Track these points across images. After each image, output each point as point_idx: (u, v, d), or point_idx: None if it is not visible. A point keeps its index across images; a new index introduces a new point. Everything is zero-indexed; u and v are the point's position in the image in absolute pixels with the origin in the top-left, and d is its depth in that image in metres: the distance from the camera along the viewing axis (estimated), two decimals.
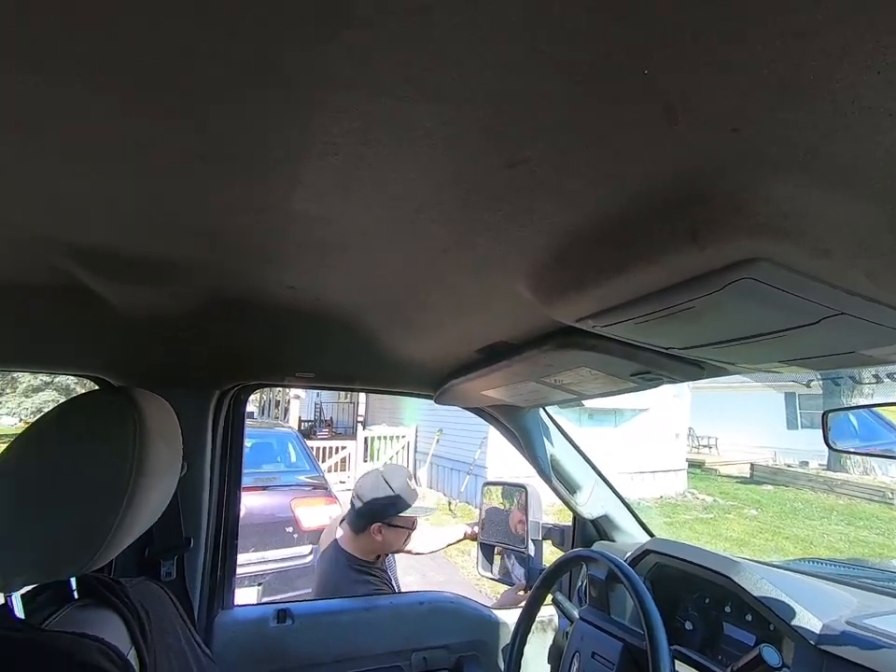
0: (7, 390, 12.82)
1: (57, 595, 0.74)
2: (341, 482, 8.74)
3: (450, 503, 8.05)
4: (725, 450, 14.66)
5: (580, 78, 0.29)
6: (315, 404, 13.83)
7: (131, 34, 0.28)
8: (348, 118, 0.36)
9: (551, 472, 1.28)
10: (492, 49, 0.27)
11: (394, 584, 1.59)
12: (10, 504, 0.58)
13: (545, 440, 1.30)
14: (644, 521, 1.46)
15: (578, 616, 1.11)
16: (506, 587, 1.63)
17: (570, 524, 1.55)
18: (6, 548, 0.58)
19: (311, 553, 3.66)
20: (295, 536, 3.61)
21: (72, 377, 12.03)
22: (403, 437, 9.71)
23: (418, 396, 1.25)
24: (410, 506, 1.49)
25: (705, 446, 15.11)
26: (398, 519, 1.48)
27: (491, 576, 1.71)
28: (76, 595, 0.76)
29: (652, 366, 0.71)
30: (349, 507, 1.55)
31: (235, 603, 1.23)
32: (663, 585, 1.12)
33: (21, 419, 14.12)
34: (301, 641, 1.25)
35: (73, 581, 0.75)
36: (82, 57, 0.30)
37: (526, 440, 1.26)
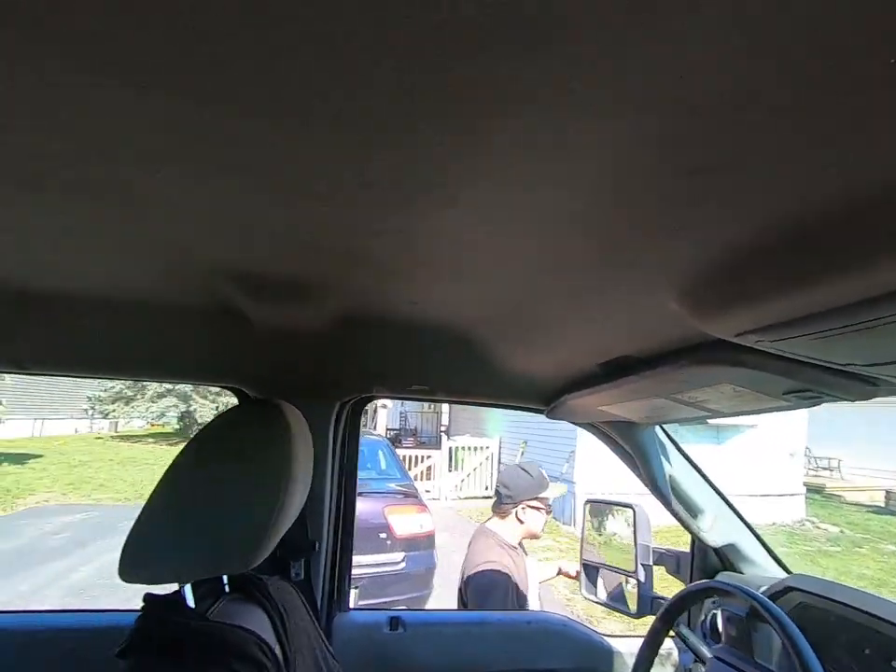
0: (138, 397, 14.55)
1: (214, 588, 0.82)
2: (426, 491, 8.88)
3: None
4: (851, 474, 12.88)
5: (801, 74, 0.26)
6: (401, 413, 14.21)
7: (305, 72, 0.30)
8: (501, 137, 0.36)
9: (670, 494, 1.20)
10: (700, 48, 0.26)
11: (526, 574, 1.77)
12: (186, 505, 0.65)
13: (662, 458, 1.22)
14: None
15: (711, 655, 1.02)
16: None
17: (686, 550, 1.44)
18: (182, 544, 0.64)
19: (403, 560, 3.74)
20: (388, 543, 3.70)
21: (190, 386, 13.43)
22: (487, 448, 9.67)
23: (528, 410, 1.23)
24: (545, 489, 1.82)
25: (825, 469, 13.39)
26: (536, 501, 1.80)
27: (596, 599, 1.63)
28: (227, 590, 0.83)
29: (814, 384, 0.63)
30: (495, 498, 1.88)
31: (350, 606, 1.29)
32: (809, 628, 0.99)
33: (148, 422, 15.99)
34: (412, 650, 1.27)
35: (225, 576, 0.83)
36: (260, 92, 0.32)
37: (642, 458, 1.19)
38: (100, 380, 12.90)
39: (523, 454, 9.01)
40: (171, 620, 0.63)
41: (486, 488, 9.38)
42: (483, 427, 10.99)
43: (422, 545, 3.86)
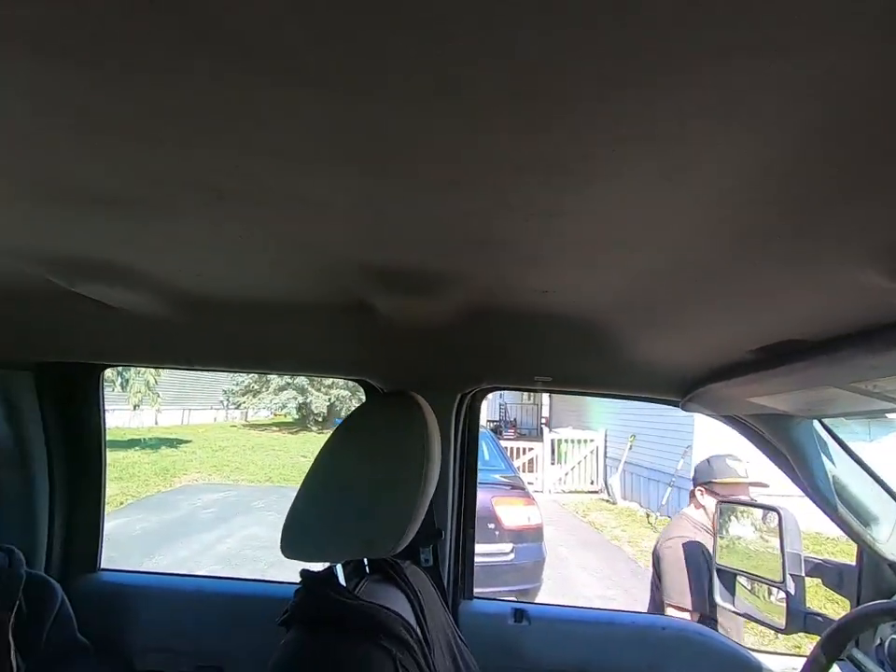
0: (263, 390, 16.16)
1: (356, 568, 0.86)
2: (529, 483, 8.79)
3: (648, 515, 7.42)
4: None
5: None
6: (500, 405, 14.21)
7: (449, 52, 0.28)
8: (673, 97, 0.32)
9: (835, 499, 1.04)
10: None
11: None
12: (337, 491, 0.70)
13: (824, 457, 1.06)
14: None
15: None
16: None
17: (850, 563, 1.25)
18: (335, 528, 0.69)
19: (512, 551, 3.74)
20: (497, 533, 3.72)
21: (306, 380, 14.63)
22: (591, 441, 9.32)
23: (660, 401, 1.15)
24: (717, 476, 1.88)
25: None
26: (714, 486, 1.87)
27: (732, 608, 1.49)
28: (367, 570, 0.88)
29: None
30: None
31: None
32: None
33: (272, 412, 17.72)
34: (537, 644, 1.25)
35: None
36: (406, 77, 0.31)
37: (799, 457, 1.05)
38: (241, 374, 14.51)
39: (631, 448, 8.55)
40: (329, 596, 0.68)
41: (592, 483, 9.06)
42: (586, 419, 10.60)
43: (530, 537, 3.83)
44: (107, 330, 1.04)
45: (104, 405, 1.37)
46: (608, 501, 8.39)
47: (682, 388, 1.02)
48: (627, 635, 1.24)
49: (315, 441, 12.30)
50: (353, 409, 0.93)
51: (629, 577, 5.10)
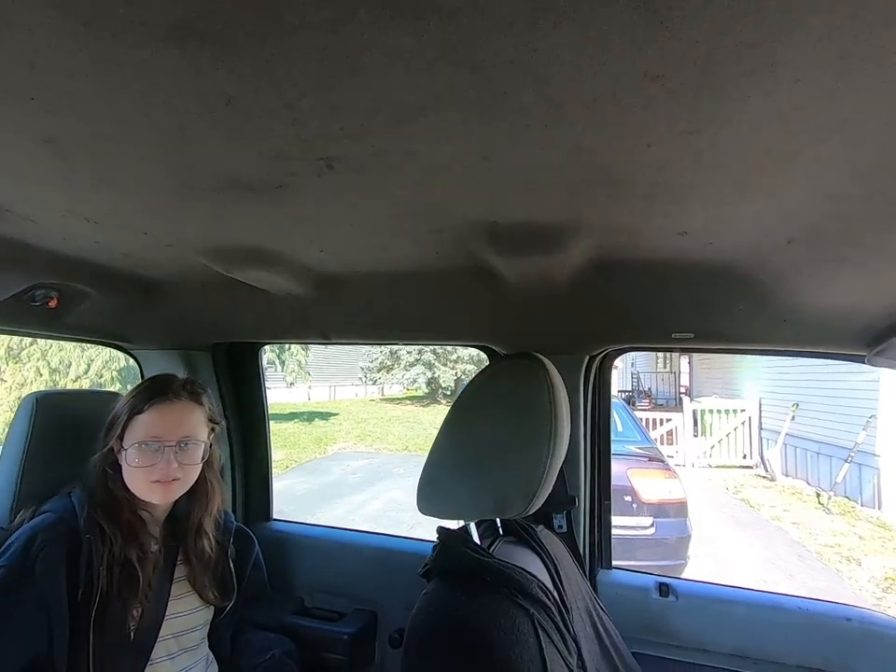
0: (395, 366, 17.27)
1: (489, 528, 0.88)
2: (669, 456, 8.19)
3: (818, 495, 6.47)
4: None
5: None
6: (632, 374, 13.42)
7: None
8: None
9: None
10: None
11: None
12: (467, 452, 0.71)
13: None
14: None
15: None
16: None
17: None
18: (466, 486, 0.70)
19: (652, 525, 3.55)
20: (634, 506, 3.56)
21: (433, 356, 15.33)
22: (742, 411, 8.34)
23: (835, 357, 0.96)
24: None
25: None
26: None
27: None
28: (501, 531, 0.89)
29: None
30: None
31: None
32: None
33: (404, 387, 18.92)
34: (687, 622, 1.16)
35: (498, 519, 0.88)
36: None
37: None
38: (374, 349, 15.74)
39: (794, 418, 7.48)
40: (464, 552, 0.70)
41: (744, 457, 8.15)
42: (734, 387, 9.49)
43: (672, 512, 3.59)
44: (261, 312, 1.18)
45: (264, 377, 1.57)
46: (764, 478, 7.50)
47: (867, 339, 0.84)
48: (795, 622, 1.09)
49: (444, 414, 12.82)
50: None
51: (795, 561, 4.53)
